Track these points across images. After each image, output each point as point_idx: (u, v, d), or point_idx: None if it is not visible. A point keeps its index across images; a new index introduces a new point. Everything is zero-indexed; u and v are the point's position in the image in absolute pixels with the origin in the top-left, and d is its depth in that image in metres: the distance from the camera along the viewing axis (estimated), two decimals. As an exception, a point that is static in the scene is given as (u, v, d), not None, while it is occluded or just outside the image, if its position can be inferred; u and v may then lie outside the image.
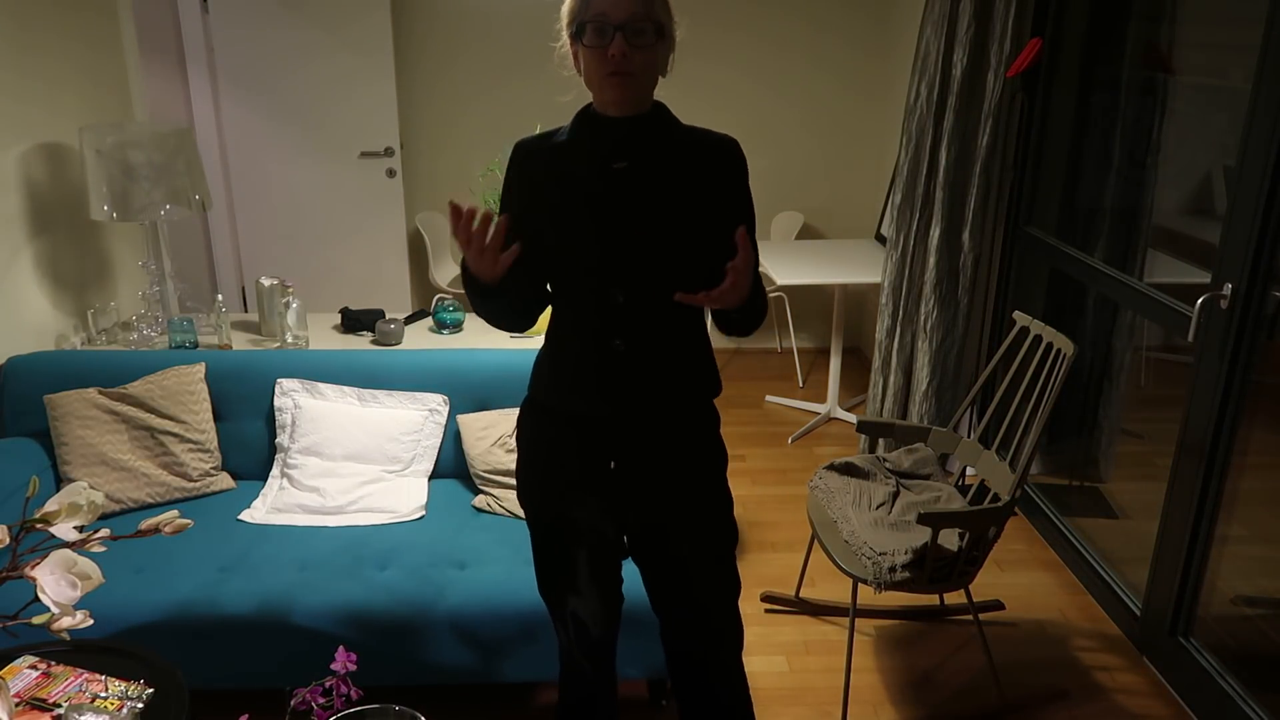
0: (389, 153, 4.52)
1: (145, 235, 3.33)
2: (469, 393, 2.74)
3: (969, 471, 3.02)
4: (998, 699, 2.53)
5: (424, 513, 2.58)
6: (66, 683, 1.74)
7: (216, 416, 2.74)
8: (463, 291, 1.84)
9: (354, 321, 3.23)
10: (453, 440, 2.74)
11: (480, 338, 3.16)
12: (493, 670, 2.25)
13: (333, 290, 4.62)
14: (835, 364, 4.23)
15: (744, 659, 1.99)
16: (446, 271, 4.67)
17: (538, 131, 1.76)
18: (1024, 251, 3.47)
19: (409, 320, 3.33)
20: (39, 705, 1.68)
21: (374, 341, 3.14)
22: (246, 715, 1.49)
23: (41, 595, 1.29)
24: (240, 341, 3.17)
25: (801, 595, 2.92)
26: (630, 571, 1.96)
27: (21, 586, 1.32)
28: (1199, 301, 2.36)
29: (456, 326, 3.24)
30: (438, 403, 2.73)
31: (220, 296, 3.17)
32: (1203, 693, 2.45)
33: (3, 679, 1.72)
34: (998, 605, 2.93)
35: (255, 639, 2.19)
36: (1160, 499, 2.59)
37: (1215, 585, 2.49)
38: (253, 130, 4.47)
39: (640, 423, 1.73)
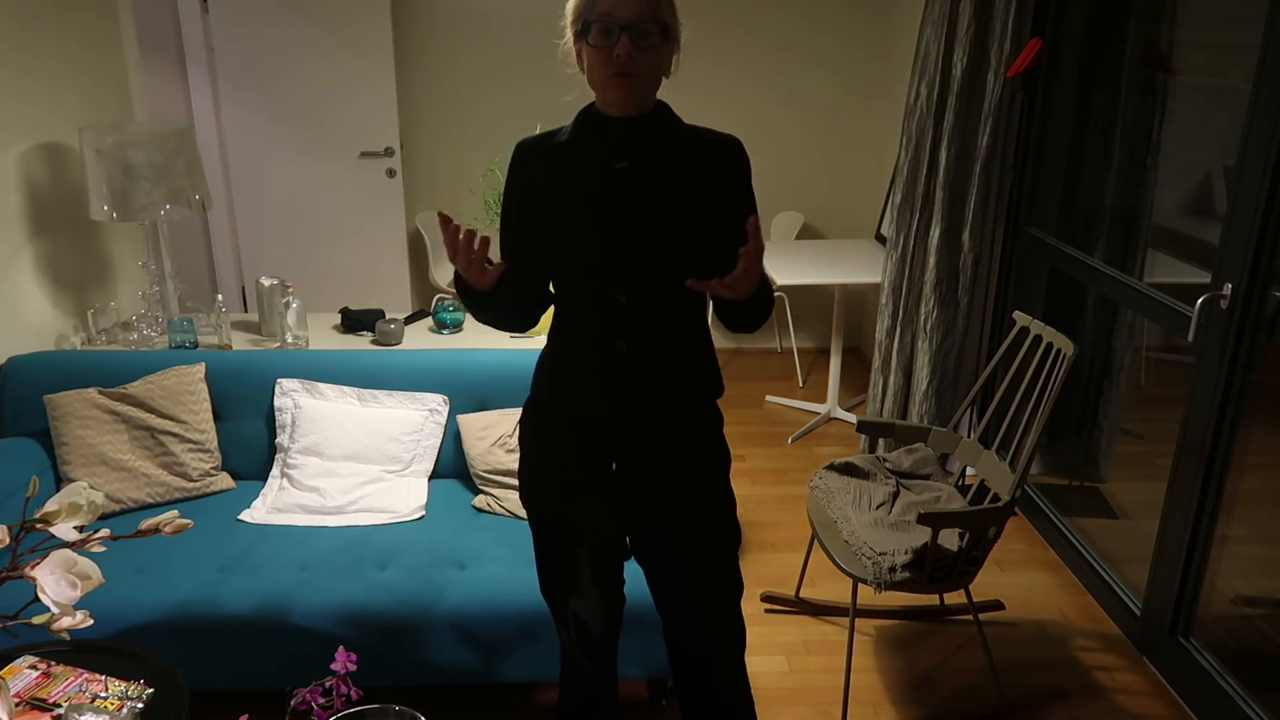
0: (389, 153, 4.52)
1: (145, 235, 3.33)
2: (469, 393, 2.75)
3: (969, 471, 3.02)
4: (998, 699, 2.53)
5: (424, 513, 2.58)
6: (66, 683, 1.74)
7: (216, 416, 2.74)
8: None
9: (354, 321, 3.23)
10: (453, 440, 2.74)
11: (480, 338, 3.16)
12: (493, 670, 2.25)
13: (333, 290, 4.62)
14: (835, 364, 4.23)
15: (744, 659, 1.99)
16: (446, 271, 4.67)
17: (538, 131, 1.75)
18: (1024, 251, 3.47)
19: (409, 320, 3.33)
20: (39, 705, 1.68)
21: (374, 341, 3.14)
22: (246, 715, 1.49)
23: (41, 595, 1.29)
24: (240, 341, 3.17)
25: (801, 595, 2.92)
26: (630, 571, 1.96)
27: (21, 586, 1.32)
28: (1199, 301, 2.36)
29: (456, 326, 3.24)
30: (438, 403, 2.73)
31: (220, 296, 3.17)
32: (1203, 693, 2.45)
33: (3, 679, 1.72)
34: (998, 605, 2.93)
35: (255, 639, 2.19)
36: (1160, 499, 2.59)
37: (1215, 585, 2.49)
38: (253, 130, 4.47)
39: (643, 424, 1.73)
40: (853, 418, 4.23)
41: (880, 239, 4.46)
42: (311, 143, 4.49)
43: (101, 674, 1.76)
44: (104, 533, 1.38)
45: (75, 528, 1.35)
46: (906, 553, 2.29)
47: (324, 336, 3.20)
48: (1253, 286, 2.26)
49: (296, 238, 4.64)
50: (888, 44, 4.66)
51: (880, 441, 3.69)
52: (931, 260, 3.47)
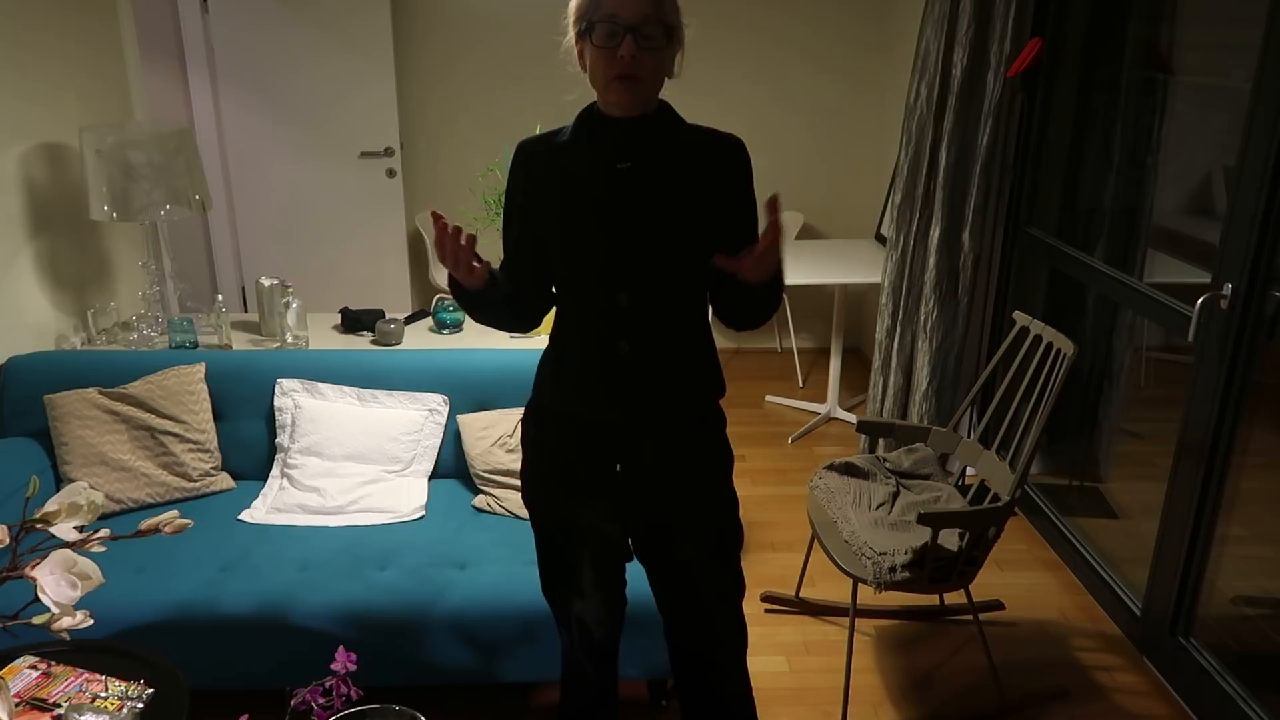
0: (389, 153, 4.52)
1: (145, 235, 3.33)
2: (469, 393, 2.74)
3: (969, 471, 3.02)
4: (998, 699, 2.53)
5: (424, 513, 2.58)
6: (66, 683, 1.74)
7: (216, 416, 2.74)
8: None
9: (354, 321, 3.23)
10: (453, 440, 2.74)
11: (480, 338, 3.16)
12: (493, 670, 2.25)
13: (333, 290, 4.62)
14: (835, 364, 4.23)
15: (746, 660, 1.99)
16: (446, 271, 4.67)
17: (539, 131, 1.75)
18: (1024, 251, 3.47)
19: (409, 320, 3.33)
20: (39, 705, 1.68)
21: (374, 341, 3.13)
22: (246, 715, 1.49)
23: (41, 595, 1.29)
24: (240, 341, 3.17)
25: (801, 595, 2.92)
26: (631, 572, 1.96)
27: (21, 586, 1.32)
28: (1199, 301, 2.36)
29: (456, 326, 3.24)
30: (438, 403, 2.73)
31: (220, 296, 3.17)
32: (1203, 693, 2.45)
33: (3, 679, 1.72)
34: (998, 605, 2.93)
35: (255, 639, 2.19)
36: (1160, 499, 2.59)
37: (1215, 585, 2.49)
38: (253, 130, 4.47)
39: (646, 425, 1.73)
40: (853, 418, 4.23)
41: (880, 239, 4.46)
42: (311, 143, 4.49)
43: (101, 674, 1.76)
44: (104, 533, 1.38)
45: (75, 528, 1.35)
46: (906, 553, 2.29)
47: (324, 336, 3.20)
48: (1253, 286, 2.26)
49: (296, 238, 4.64)
50: (888, 44, 4.66)
51: (880, 441, 3.69)
52: (931, 260, 3.47)
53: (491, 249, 1.80)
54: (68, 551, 1.32)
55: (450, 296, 3.29)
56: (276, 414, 2.71)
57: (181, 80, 4.42)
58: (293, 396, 2.71)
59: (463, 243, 1.55)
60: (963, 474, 2.85)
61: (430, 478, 2.72)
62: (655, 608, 1.94)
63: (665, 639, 1.97)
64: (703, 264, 1.68)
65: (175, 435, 2.62)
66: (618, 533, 1.81)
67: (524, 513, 2.44)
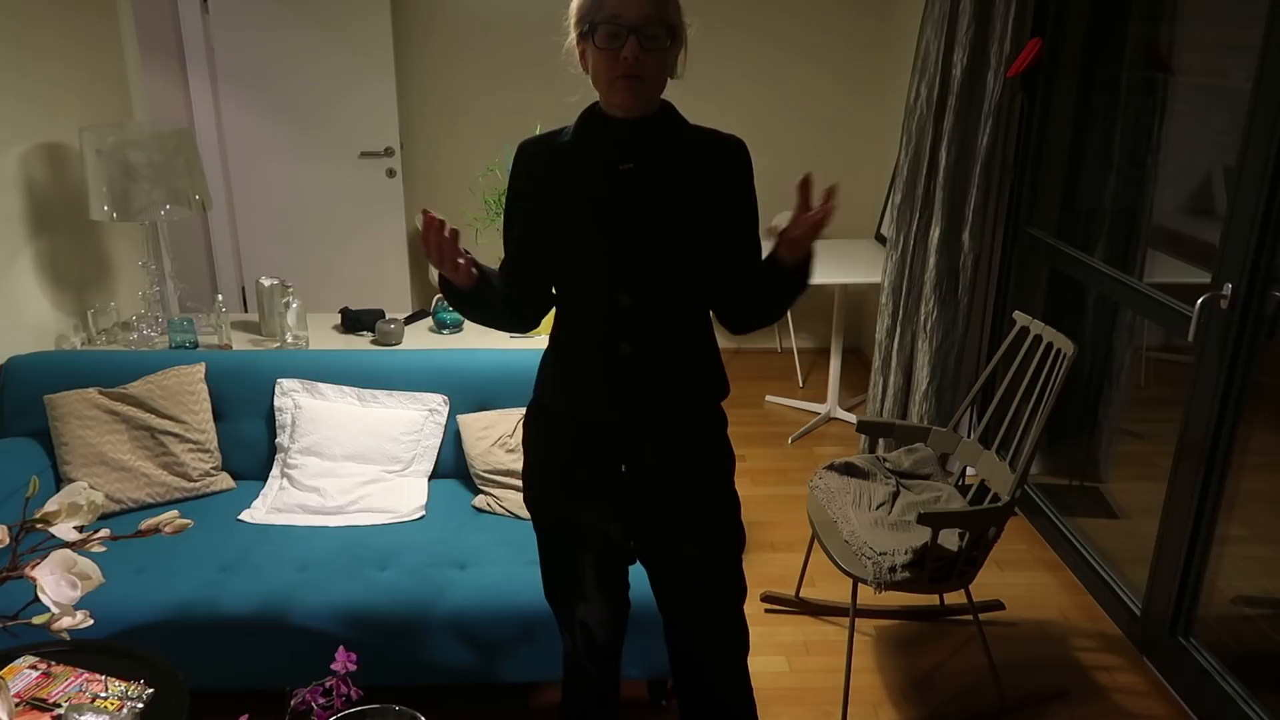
0: (389, 153, 4.52)
1: (145, 235, 3.33)
2: (469, 393, 2.74)
3: (969, 471, 3.02)
4: (998, 699, 2.53)
5: (424, 513, 2.58)
6: (66, 683, 1.74)
7: (216, 416, 2.74)
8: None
9: (354, 321, 3.23)
10: (453, 440, 2.74)
11: (480, 338, 3.16)
12: (493, 670, 2.25)
13: (333, 290, 4.62)
14: (835, 364, 4.23)
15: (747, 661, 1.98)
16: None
17: (539, 131, 1.75)
18: (1024, 251, 3.47)
19: (409, 320, 3.33)
20: (39, 705, 1.68)
21: (374, 341, 3.13)
22: (246, 715, 1.49)
23: (41, 595, 1.29)
24: (240, 341, 3.16)
25: (801, 595, 2.92)
26: (632, 573, 1.96)
27: (21, 586, 1.32)
28: (1199, 301, 2.36)
29: (456, 326, 3.23)
30: (438, 403, 2.73)
31: (220, 296, 3.17)
32: (1203, 693, 2.45)
33: (3, 679, 1.72)
34: (998, 605, 2.93)
35: (255, 639, 2.19)
36: (1160, 499, 2.59)
37: (1215, 585, 2.49)
38: (253, 130, 4.47)
39: (647, 426, 1.72)
40: (853, 418, 4.23)
41: (880, 239, 4.46)
42: (311, 143, 4.49)
43: (101, 674, 1.76)
44: (104, 533, 1.38)
45: (75, 528, 1.35)
46: (906, 553, 2.29)
47: (324, 336, 3.20)
48: (1253, 286, 2.26)
49: (296, 238, 4.64)
50: (888, 44, 4.66)
51: (880, 441, 3.69)
52: (931, 260, 3.47)
53: (492, 249, 1.80)
54: (68, 551, 1.32)
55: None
56: (276, 414, 2.71)
57: (181, 80, 4.42)
58: (293, 396, 2.71)
59: (446, 235, 1.53)
60: (963, 474, 2.85)
61: (430, 478, 2.72)
62: (655, 608, 1.94)
63: (666, 641, 1.97)
64: (705, 265, 1.68)
65: (175, 435, 2.62)
66: (620, 534, 1.80)
67: (524, 513, 2.44)
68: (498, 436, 2.65)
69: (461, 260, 1.58)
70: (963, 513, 2.39)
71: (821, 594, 2.95)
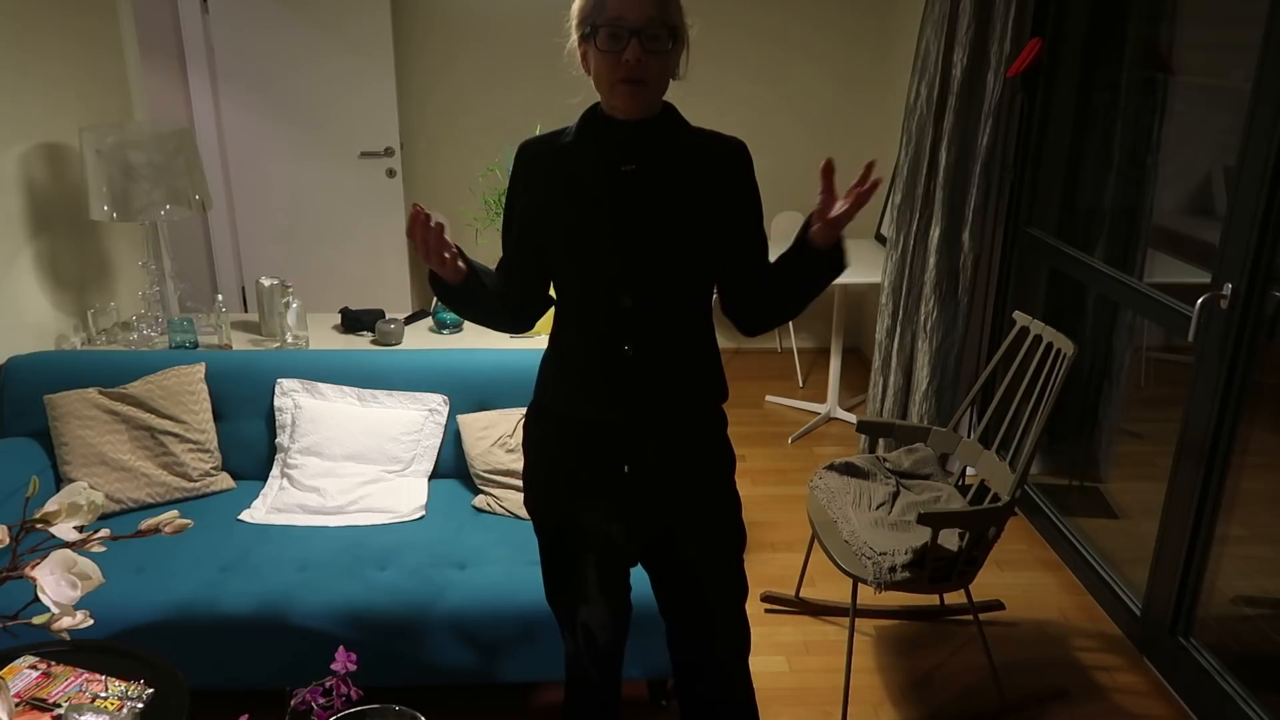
0: (389, 153, 4.52)
1: (145, 235, 3.33)
2: (469, 393, 2.74)
3: (969, 471, 3.02)
4: (998, 699, 2.53)
5: (424, 513, 2.58)
6: (66, 683, 1.74)
7: (216, 416, 2.74)
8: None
9: (354, 321, 3.23)
10: (453, 440, 2.74)
11: (480, 338, 3.16)
12: (493, 670, 2.25)
13: (333, 290, 4.62)
14: (835, 364, 4.23)
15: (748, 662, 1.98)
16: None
17: (539, 132, 1.75)
18: (1024, 251, 3.47)
19: (409, 320, 3.33)
20: (39, 705, 1.68)
21: (374, 341, 3.13)
22: (246, 715, 1.49)
23: (41, 595, 1.29)
24: (240, 341, 3.16)
25: (801, 595, 2.92)
26: (633, 575, 1.96)
27: (21, 586, 1.32)
28: (1199, 301, 2.36)
29: (456, 326, 3.23)
30: (438, 403, 2.73)
31: (220, 296, 3.17)
32: (1203, 693, 2.45)
33: (3, 679, 1.72)
34: (998, 605, 2.93)
35: (255, 639, 2.19)
36: (1160, 499, 2.59)
37: (1215, 585, 2.49)
38: (253, 130, 4.47)
39: (651, 427, 1.72)
40: (853, 418, 4.23)
41: (880, 239, 4.46)
42: (311, 143, 4.49)
43: (101, 674, 1.76)
44: (104, 533, 1.38)
45: (75, 528, 1.35)
46: (906, 553, 2.29)
47: (324, 336, 3.20)
48: (1253, 286, 2.26)
49: (296, 238, 4.64)
50: (888, 44, 4.66)
51: (880, 441, 3.69)
52: (931, 260, 3.47)
53: (492, 249, 1.79)
54: (68, 551, 1.32)
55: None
56: (276, 414, 2.71)
57: (181, 80, 4.42)
58: (293, 396, 2.71)
59: (432, 226, 1.51)
60: (963, 474, 2.85)
61: (430, 478, 2.72)
62: (655, 607, 1.94)
63: (668, 644, 1.97)
64: (707, 266, 1.68)
65: (175, 435, 2.62)
66: (622, 535, 1.80)
67: (524, 513, 2.44)
68: (498, 436, 2.65)
69: (448, 254, 1.56)
70: (963, 513, 2.39)
71: (821, 594, 2.95)
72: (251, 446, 2.75)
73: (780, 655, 2.70)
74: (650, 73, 1.54)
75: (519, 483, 2.55)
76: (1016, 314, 2.70)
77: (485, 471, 2.63)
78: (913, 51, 3.47)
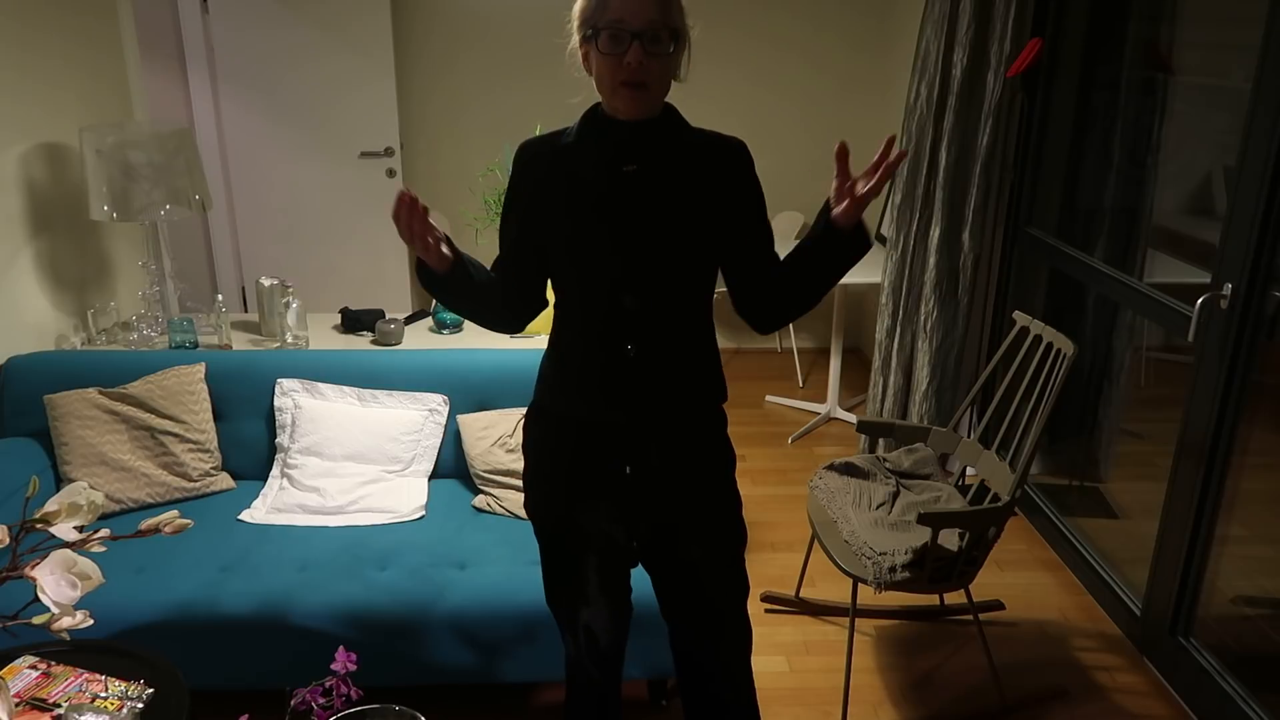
0: (389, 153, 4.52)
1: (145, 235, 3.33)
2: (469, 393, 2.74)
3: (969, 471, 3.02)
4: (998, 699, 2.53)
5: (424, 513, 2.58)
6: (66, 683, 1.74)
7: (216, 416, 2.74)
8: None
9: (354, 321, 3.23)
10: (453, 440, 2.74)
11: (480, 338, 3.16)
12: (493, 670, 2.25)
13: (333, 290, 4.62)
14: (835, 364, 4.22)
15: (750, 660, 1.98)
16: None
17: (539, 132, 1.74)
18: (1024, 251, 3.47)
19: (409, 320, 3.33)
20: (39, 705, 1.68)
21: (374, 341, 3.13)
22: (246, 715, 1.49)
23: (41, 595, 1.29)
24: (240, 341, 3.16)
25: (801, 595, 2.92)
26: (634, 575, 1.96)
27: (21, 586, 1.32)
28: (1199, 301, 2.36)
29: (456, 326, 3.23)
30: (438, 403, 2.73)
31: (220, 296, 3.17)
32: (1203, 693, 2.45)
33: (3, 679, 1.72)
34: (998, 605, 2.93)
35: (255, 639, 2.19)
36: (1160, 499, 2.59)
37: (1215, 585, 2.49)
38: (253, 130, 4.47)
39: (653, 427, 1.72)
40: (853, 418, 4.23)
41: (880, 239, 4.46)
42: (311, 143, 4.49)
43: (101, 674, 1.76)
44: (104, 533, 1.38)
45: (75, 528, 1.35)
46: (906, 553, 2.29)
47: (324, 336, 3.20)
48: (1253, 286, 2.26)
49: (296, 238, 4.64)
50: (888, 44, 4.66)
51: (880, 441, 3.69)
52: (931, 260, 3.47)
53: (492, 249, 1.79)
54: (68, 551, 1.32)
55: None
56: (276, 414, 2.71)
57: (181, 80, 4.42)
58: (293, 396, 2.71)
59: (417, 210, 1.50)
60: (963, 474, 2.85)
61: (430, 478, 2.72)
62: (656, 608, 1.93)
63: (671, 645, 1.96)
64: (709, 266, 1.69)
65: (175, 435, 2.62)
66: (623, 536, 1.80)
67: (524, 512, 2.44)
68: (498, 436, 2.65)
69: (432, 239, 1.55)
70: (963, 513, 2.39)
71: (821, 594, 2.95)
72: (251, 446, 2.75)
73: (780, 655, 2.70)
74: (652, 75, 1.54)
75: (519, 483, 2.55)
76: (1016, 314, 2.70)
77: (485, 471, 2.63)
78: (913, 51, 3.47)
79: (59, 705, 1.68)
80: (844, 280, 3.92)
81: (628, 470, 1.72)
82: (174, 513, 1.44)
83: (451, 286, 1.65)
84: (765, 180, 1.73)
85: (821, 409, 4.30)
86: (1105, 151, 3.19)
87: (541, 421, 1.79)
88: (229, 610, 2.19)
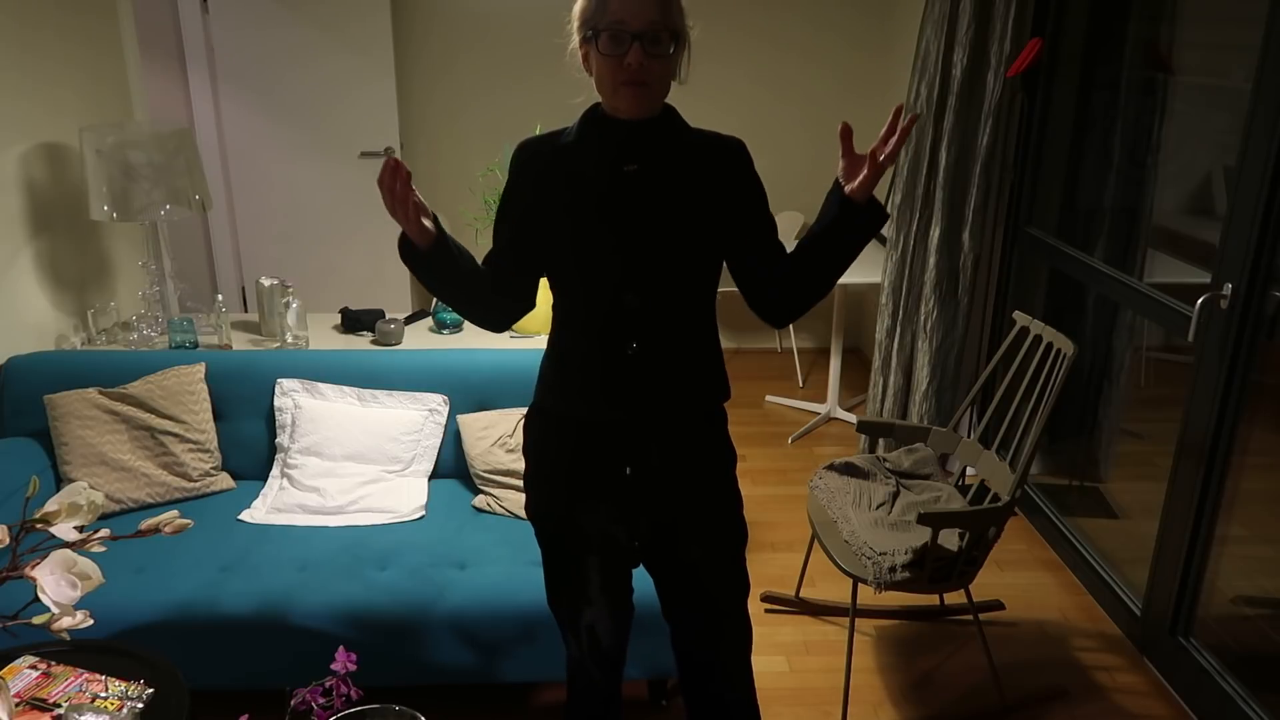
0: (389, 153, 4.52)
1: (145, 235, 3.33)
2: (469, 393, 2.74)
3: (969, 471, 3.02)
4: (998, 699, 2.53)
5: (424, 513, 2.58)
6: (66, 683, 1.74)
7: (216, 416, 2.74)
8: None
9: (354, 321, 3.23)
10: (453, 440, 2.74)
11: (480, 338, 3.16)
12: (493, 670, 2.25)
13: (333, 290, 4.62)
14: (835, 364, 4.23)
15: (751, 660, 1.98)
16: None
17: (538, 132, 1.74)
18: (1024, 251, 3.47)
19: (409, 320, 3.33)
20: (39, 705, 1.68)
21: (374, 341, 3.13)
22: (246, 715, 1.49)
23: (41, 595, 1.29)
24: (240, 341, 3.16)
25: (801, 595, 2.92)
26: (635, 575, 1.95)
27: (21, 586, 1.32)
28: (1199, 301, 2.36)
29: (456, 326, 3.23)
30: (438, 403, 2.73)
31: (220, 296, 3.17)
32: (1203, 693, 2.45)
33: (3, 679, 1.72)
34: (998, 605, 2.93)
35: (255, 639, 2.19)
36: (1160, 499, 2.59)
37: (1215, 585, 2.49)
38: (253, 130, 4.47)
39: (654, 427, 1.72)
40: (853, 418, 4.23)
41: (880, 239, 4.46)
42: (311, 143, 4.49)
43: (101, 674, 1.76)
44: (104, 533, 1.38)
45: (75, 528, 1.35)
46: (906, 553, 2.29)
47: (324, 336, 3.20)
48: (1253, 286, 2.26)
49: (296, 238, 4.64)
50: (888, 44, 4.66)
51: (880, 441, 3.69)
52: (931, 260, 3.47)
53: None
54: (68, 551, 1.32)
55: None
56: (276, 414, 2.71)
57: (181, 80, 4.42)
58: (293, 396, 2.71)
59: (401, 174, 1.47)
60: (963, 474, 2.85)
61: (430, 478, 2.72)
62: (657, 608, 1.93)
63: (672, 645, 1.96)
64: (711, 264, 1.69)
65: (175, 435, 2.62)
66: (625, 536, 1.80)
67: (524, 513, 2.43)
68: (498, 436, 2.65)
69: (413, 207, 1.52)
70: (963, 513, 2.39)
71: (821, 594, 2.95)
72: (251, 446, 2.75)
73: (780, 655, 2.70)
74: (652, 75, 1.54)
75: (519, 483, 2.55)
76: (1016, 314, 2.70)
77: (485, 471, 2.63)
78: (913, 51, 3.47)
79: (59, 705, 1.68)
80: (844, 280, 3.94)
81: (628, 471, 1.72)
82: (174, 513, 1.44)
83: (434, 266, 1.61)
84: (765, 180, 1.73)
85: (821, 409, 4.30)
86: (1105, 151, 3.19)
87: (541, 422, 1.78)
88: (229, 610, 2.19)
